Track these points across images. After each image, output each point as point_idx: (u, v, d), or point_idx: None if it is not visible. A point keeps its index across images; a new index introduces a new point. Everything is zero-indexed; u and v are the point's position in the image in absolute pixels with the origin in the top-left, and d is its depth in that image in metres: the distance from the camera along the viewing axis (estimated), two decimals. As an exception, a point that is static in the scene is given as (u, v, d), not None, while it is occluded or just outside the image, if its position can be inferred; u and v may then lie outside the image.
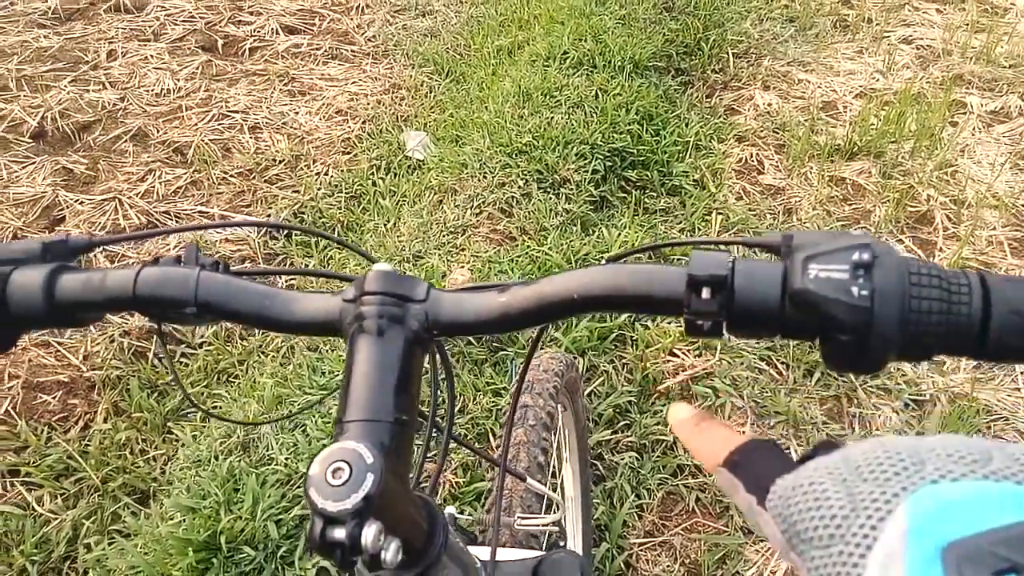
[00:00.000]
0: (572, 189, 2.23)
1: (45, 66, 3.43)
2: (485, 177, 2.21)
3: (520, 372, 0.57)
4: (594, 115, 2.54)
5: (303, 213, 2.56)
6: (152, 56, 3.55)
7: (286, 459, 1.33)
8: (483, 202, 2.11)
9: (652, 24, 3.30)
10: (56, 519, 1.63)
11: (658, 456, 1.56)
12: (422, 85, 3.39)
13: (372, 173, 2.76)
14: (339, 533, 0.36)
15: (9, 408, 1.85)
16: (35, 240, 0.48)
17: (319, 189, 2.67)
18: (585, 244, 2.02)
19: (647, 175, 2.45)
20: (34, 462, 1.73)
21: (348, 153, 2.92)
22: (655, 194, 2.41)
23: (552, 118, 2.47)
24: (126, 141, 2.92)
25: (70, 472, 1.73)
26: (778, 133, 2.77)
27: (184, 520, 1.27)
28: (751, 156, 2.66)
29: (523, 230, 2.05)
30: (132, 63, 3.49)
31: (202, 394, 1.92)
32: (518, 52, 3.49)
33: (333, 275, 0.56)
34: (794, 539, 0.25)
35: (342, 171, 2.78)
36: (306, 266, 2.34)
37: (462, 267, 1.82)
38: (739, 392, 1.67)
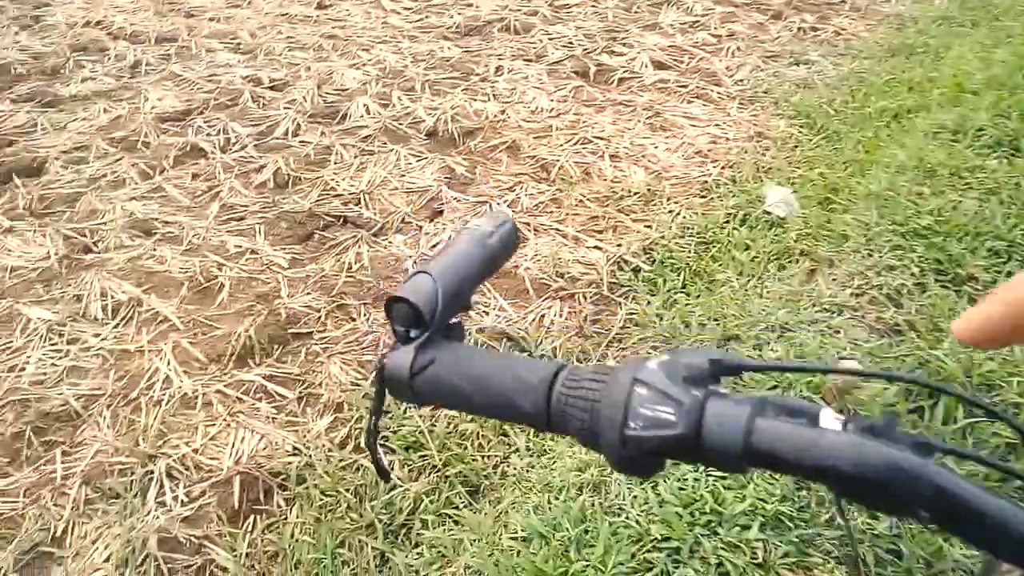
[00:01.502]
0: (979, 289, 1.91)
1: (445, 73, 3.89)
2: (871, 255, 1.99)
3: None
4: (1014, 206, 2.17)
5: (652, 250, 2.54)
6: (532, 76, 3.84)
7: (638, 515, 1.29)
8: (867, 283, 1.89)
9: (1099, 107, 2.74)
10: (402, 487, 1.79)
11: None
12: (790, 138, 3.21)
13: (727, 222, 2.66)
14: None
15: (379, 373, 2.08)
16: (700, 354, 0.44)
17: (670, 228, 2.64)
18: (990, 359, 1.71)
19: (1074, 290, 2.02)
20: (392, 428, 1.91)
21: (704, 197, 2.85)
22: (1083, 315, 1.98)
23: (959, 202, 2.16)
24: (501, 151, 3.17)
25: (418, 447, 1.88)
26: None
27: (534, 543, 1.29)
28: None
29: (912, 325, 1.80)
30: (514, 80, 3.81)
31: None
32: (907, 118, 3.15)
33: None
34: None
35: (696, 214, 2.73)
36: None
37: (843, 354, 1.63)
38: None
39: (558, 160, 3.06)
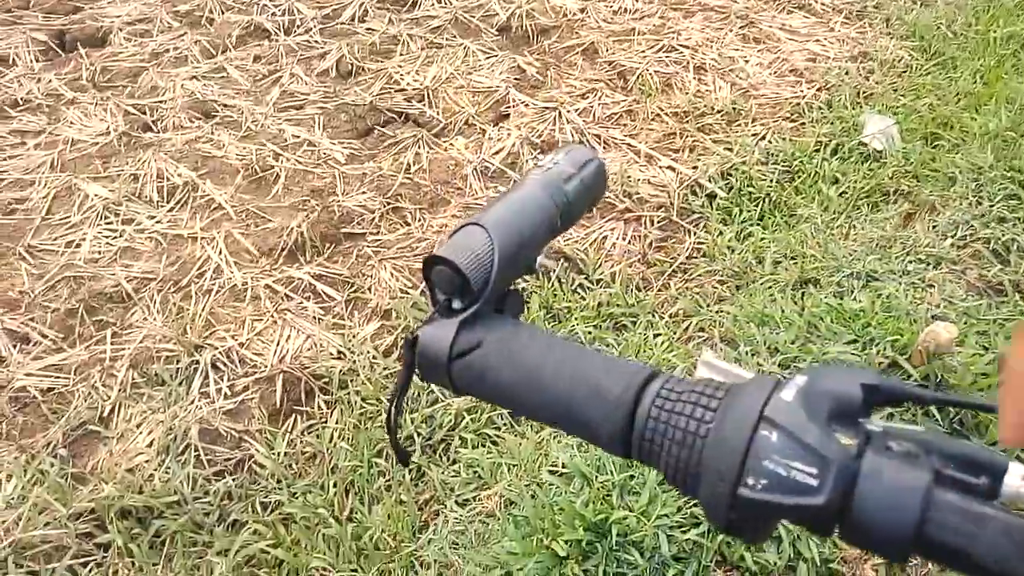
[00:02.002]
0: (1100, 252, 1.69)
1: (524, -37, 3.61)
2: (980, 203, 1.77)
3: None
4: None
5: (730, 176, 2.35)
6: (618, -29, 3.53)
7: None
8: (972, 234, 1.69)
9: None
10: (443, 402, 1.74)
11: None
12: (898, 61, 2.89)
13: (816, 150, 2.43)
14: None
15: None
16: (847, 379, 0.32)
17: (753, 153, 2.43)
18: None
19: None
20: (438, 341, 1.85)
21: (794, 121, 2.61)
22: None
23: (1094, 150, 1.90)
24: (577, 53, 2.95)
25: (463, 363, 1.83)
26: None
27: (575, 483, 1.22)
28: None
29: (1017, 286, 1.61)
30: (599, -25, 3.50)
31: (589, 334, 1.88)
32: (1040, 46, 2.79)
33: None
34: None
35: (783, 139, 2.50)
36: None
37: (935, 312, 1.47)
38: None
39: (638, 68, 2.83)
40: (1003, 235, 1.70)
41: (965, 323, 1.50)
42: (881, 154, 2.37)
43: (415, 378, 0.44)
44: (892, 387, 0.32)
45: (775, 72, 2.87)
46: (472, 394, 0.42)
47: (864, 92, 2.73)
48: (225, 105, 2.69)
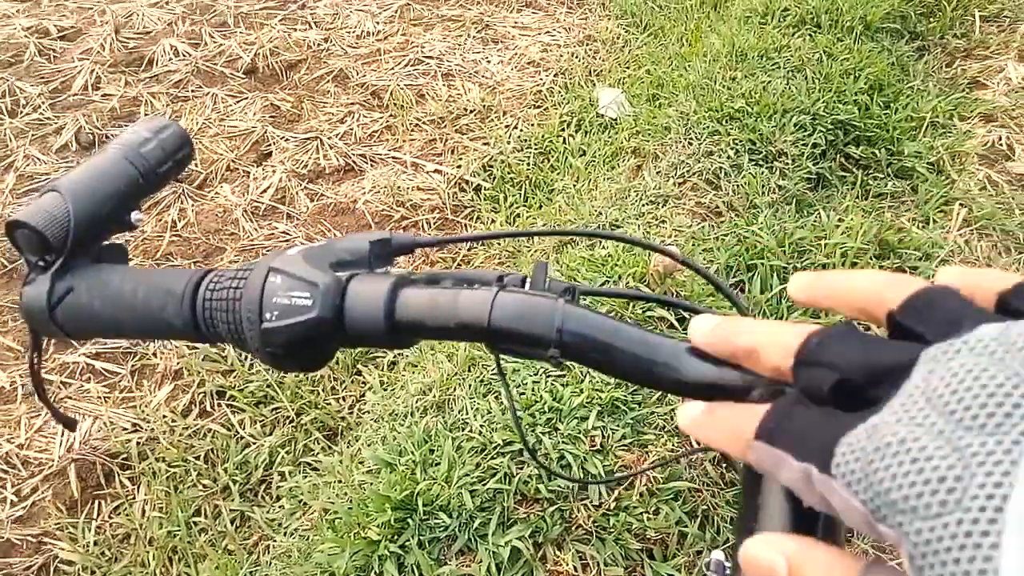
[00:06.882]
0: (787, 163, 2.02)
1: (259, 4, 3.60)
2: (691, 144, 2.05)
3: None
4: (816, 81, 2.29)
5: (492, 167, 2.52)
6: (354, -3, 3.63)
7: (481, 427, 1.30)
8: (688, 171, 1.95)
9: (888, -21, 2.91)
10: (255, 444, 1.73)
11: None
12: (618, 38, 3.23)
13: (562, 129, 2.66)
14: None
15: (219, 332, 1.98)
16: (360, 237, 0.43)
17: (508, 143, 2.62)
18: (800, 227, 1.83)
19: (873, 153, 2.18)
20: (238, 387, 1.83)
21: (539, 107, 2.84)
22: (881, 176, 2.14)
23: (768, 83, 2.25)
24: (328, 82, 3.00)
25: (268, 401, 1.82)
26: (1037, 114, 2.37)
27: (382, 473, 1.28)
28: (1000, 139, 2.29)
29: (731, 205, 1.88)
30: (336, 4, 3.58)
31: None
32: (725, 6, 3.23)
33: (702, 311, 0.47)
34: (884, 509, 0.21)
35: (532, 125, 2.71)
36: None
37: (667, 240, 1.69)
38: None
39: (389, 85, 2.94)
40: (712, 165, 1.98)
41: (693, 244, 1.73)
42: (616, 121, 2.64)
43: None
44: (402, 239, 0.43)
45: (516, 67, 3.10)
46: (81, 334, 0.47)
47: (594, 70, 3.02)
48: (-47, 203, 2.45)
